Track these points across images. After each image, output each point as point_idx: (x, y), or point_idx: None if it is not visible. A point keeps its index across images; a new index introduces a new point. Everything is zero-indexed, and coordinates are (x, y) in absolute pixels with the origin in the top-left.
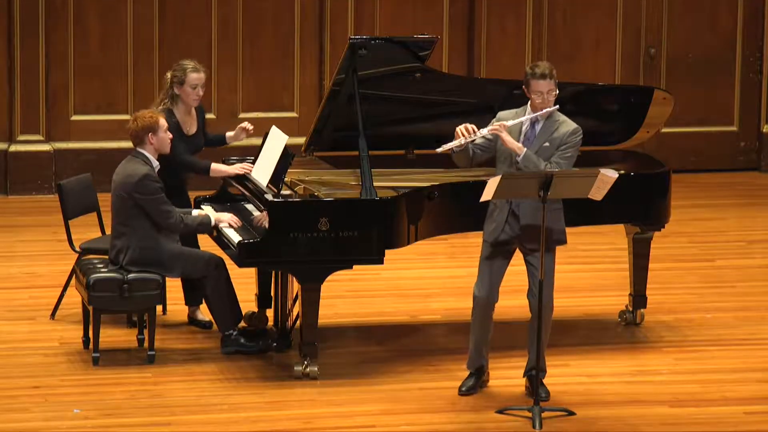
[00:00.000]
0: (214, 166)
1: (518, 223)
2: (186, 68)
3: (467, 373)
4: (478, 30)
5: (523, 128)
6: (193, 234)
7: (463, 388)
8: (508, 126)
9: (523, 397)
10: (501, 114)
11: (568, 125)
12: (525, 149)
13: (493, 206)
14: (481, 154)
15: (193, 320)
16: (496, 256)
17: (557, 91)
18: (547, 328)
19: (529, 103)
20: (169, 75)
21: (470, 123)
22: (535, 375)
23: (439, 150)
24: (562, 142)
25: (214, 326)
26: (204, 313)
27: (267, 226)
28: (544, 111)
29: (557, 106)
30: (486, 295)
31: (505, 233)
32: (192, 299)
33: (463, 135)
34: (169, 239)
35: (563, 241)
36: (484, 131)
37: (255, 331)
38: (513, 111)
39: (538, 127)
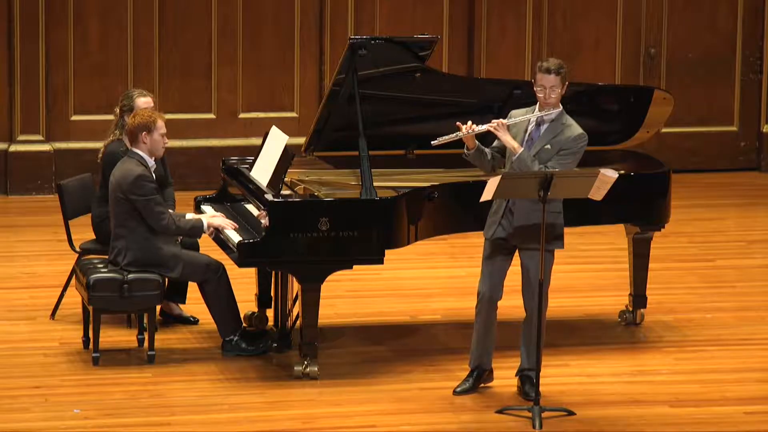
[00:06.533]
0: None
1: (514, 221)
2: (132, 95)
3: (466, 372)
4: (478, 30)
5: (529, 127)
6: (186, 237)
7: (458, 389)
8: (508, 124)
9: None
10: (513, 112)
11: (573, 130)
12: (522, 150)
13: (494, 203)
14: (501, 158)
15: (169, 315)
16: (495, 253)
17: (561, 91)
18: (543, 328)
19: (538, 103)
20: (117, 108)
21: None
22: (528, 376)
23: (434, 143)
24: (563, 146)
25: (212, 325)
26: (192, 311)
27: (266, 224)
28: (547, 113)
29: (560, 109)
30: (489, 293)
31: (501, 230)
32: (172, 294)
33: (461, 129)
34: (167, 240)
35: (560, 246)
36: (483, 127)
37: (255, 334)
38: (524, 110)
39: (543, 128)
